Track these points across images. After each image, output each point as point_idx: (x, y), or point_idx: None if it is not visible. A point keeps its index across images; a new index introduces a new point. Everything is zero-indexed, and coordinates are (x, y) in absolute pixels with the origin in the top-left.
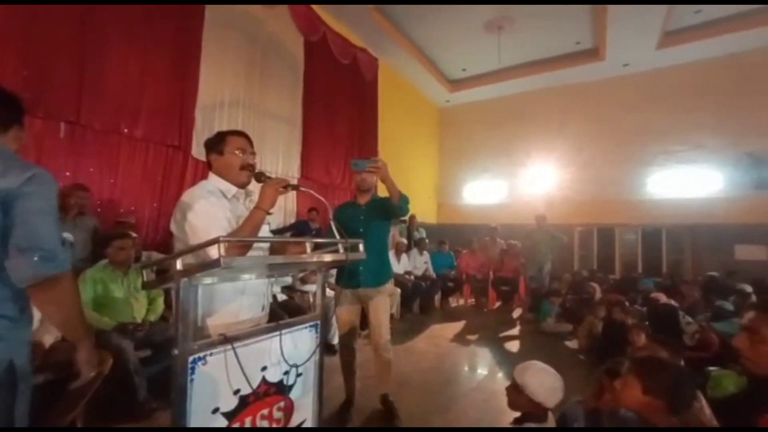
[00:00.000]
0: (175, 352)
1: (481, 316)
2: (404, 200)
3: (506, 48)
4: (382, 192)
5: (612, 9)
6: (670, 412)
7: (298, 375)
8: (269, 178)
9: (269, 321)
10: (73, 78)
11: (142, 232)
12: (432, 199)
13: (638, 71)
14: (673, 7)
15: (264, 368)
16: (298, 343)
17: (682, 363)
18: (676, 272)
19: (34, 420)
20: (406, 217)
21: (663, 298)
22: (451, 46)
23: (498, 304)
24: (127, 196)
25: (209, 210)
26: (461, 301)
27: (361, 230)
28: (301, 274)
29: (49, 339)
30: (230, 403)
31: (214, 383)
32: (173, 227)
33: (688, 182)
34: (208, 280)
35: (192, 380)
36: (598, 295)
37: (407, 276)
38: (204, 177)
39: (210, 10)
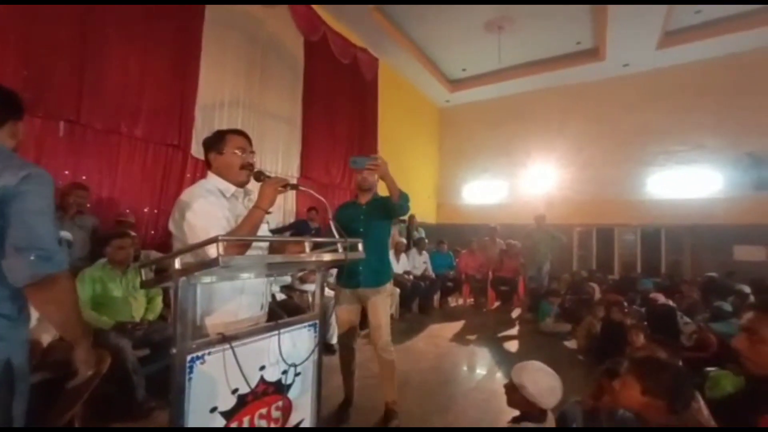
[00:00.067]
0: (174, 351)
1: (480, 316)
2: (404, 198)
3: (506, 48)
4: (383, 191)
5: (612, 9)
6: (668, 413)
7: (297, 374)
8: (268, 177)
9: (268, 320)
10: (73, 77)
11: (141, 231)
12: (431, 199)
13: (638, 71)
14: (673, 7)
15: (262, 368)
16: (297, 342)
17: (680, 363)
18: (675, 272)
19: (31, 419)
20: (406, 217)
21: (661, 298)
22: (451, 46)
23: (497, 304)
24: (126, 195)
25: (208, 209)
26: (460, 301)
27: (362, 230)
28: (300, 274)
29: (46, 338)
30: (228, 402)
31: (213, 382)
32: (172, 226)
33: (687, 182)
34: (206, 279)
35: (190, 379)
36: (597, 295)
37: (406, 276)
38: (203, 176)
39: (210, 10)
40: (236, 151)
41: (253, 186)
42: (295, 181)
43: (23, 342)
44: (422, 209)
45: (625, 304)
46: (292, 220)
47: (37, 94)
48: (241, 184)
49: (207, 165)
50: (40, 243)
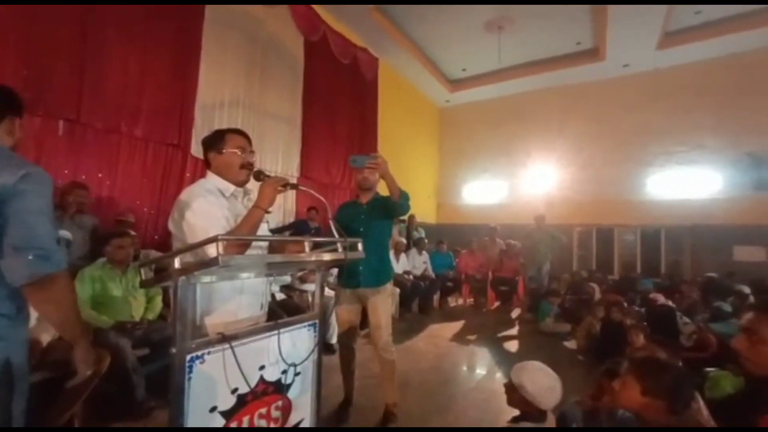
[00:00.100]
0: (173, 350)
1: (480, 316)
2: (404, 197)
3: (506, 48)
4: (384, 191)
5: (612, 9)
6: (668, 413)
7: (297, 374)
8: (268, 176)
9: (268, 320)
10: (73, 77)
11: (141, 230)
12: (431, 199)
13: (638, 71)
14: (673, 8)
15: (262, 367)
16: (297, 342)
17: (680, 364)
18: (675, 273)
19: (31, 418)
20: (406, 217)
21: (661, 298)
22: (451, 46)
23: (497, 304)
24: (126, 194)
25: (208, 209)
26: (460, 301)
27: (362, 229)
28: (299, 273)
29: (46, 337)
30: (228, 402)
31: (212, 382)
32: (171, 226)
33: (687, 183)
34: (206, 279)
35: (190, 379)
36: (597, 295)
37: (406, 276)
38: (203, 176)
39: (210, 9)
40: (236, 151)
41: (253, 185)
42: (294, 181)
43: (22, 341)
44: (422, 209)
45: (625, 304)
46: (291, 219)
47: (37, 94)
48: (241, 184)
49: (206, 164)
50: (38, 242)
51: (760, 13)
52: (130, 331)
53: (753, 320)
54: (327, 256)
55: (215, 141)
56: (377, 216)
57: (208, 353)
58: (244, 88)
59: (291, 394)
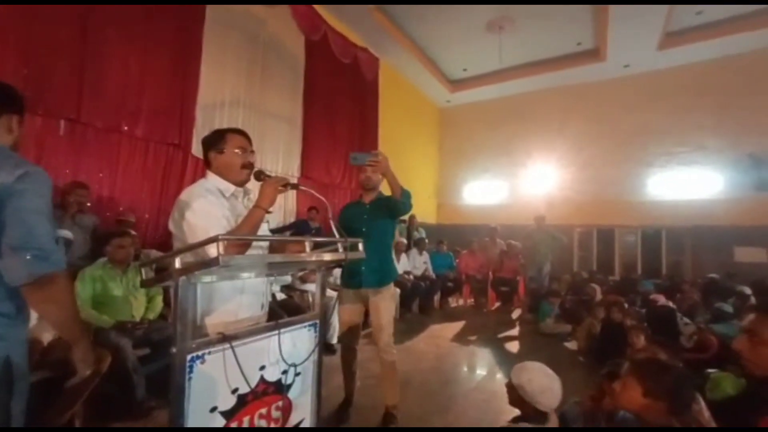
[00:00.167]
0: (174, 350)
1: (480, 316)
2: (406, 195)
3: (507, 48)
4: (388, 191)
5: (613, 9)
6: (669, 414)
7: (297, 374)
8: (269, 176)
9: (268, 320)
10: (74, 76)
11: (142, 230)
12: (432, 199)
13: (639, 72)
14: (674, 8)
15: (262, 367)
16: (297, 342)
17: (681, 365)
18: (676, 274)
19: (31, 418)
20: (406, 217)
21: (662, 299)
22: (451, 46)
23: (497, 304)
24: (126, 194)
25: (208, 209)
26: (461, 302)
27: (364, 229)
28: (300, 274)
29: (47, 337)
30: (228, 402)
31: (213, 382)
32: (172, 226)
33: (688, 183)
34: (207, 279)
35: (190, 379)
36: (599, 296)
37: (407, 276)
38: (204, 176)
39: (211, 9)
40: (237, 151)
41: (253, 185)
42: (295, 181)
43: (22, 341)
44: (423, 209)
45: (626, 305)
46: (292, 219)
47: (38, 93)
48: (241, 183)
49: (206, 164)
50: (36, 242)
51: (760, 14)
52: (131, 331)
53: (754, 322)
54: (327, 256)
55: (215, 141)
56: (380, 216)
57: (209, 353)
58: (244, 88)
59: (291, 394)
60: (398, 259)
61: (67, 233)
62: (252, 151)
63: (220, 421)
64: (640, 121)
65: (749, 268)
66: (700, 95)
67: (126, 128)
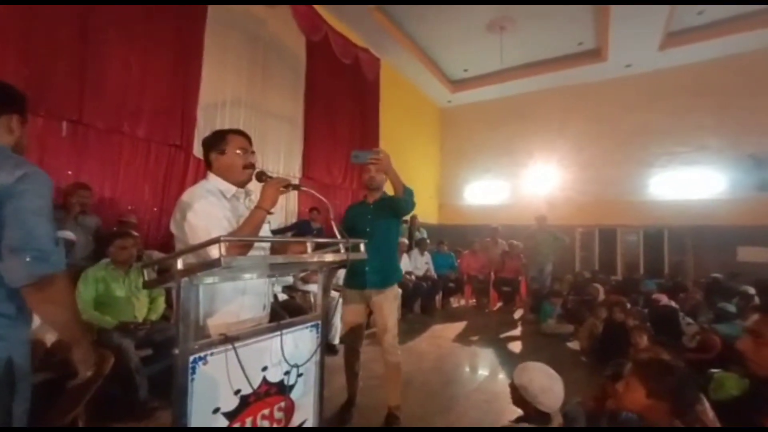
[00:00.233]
0: (176, 351)
1: (482, 316)
2: (408, 193)
3: (508, 48)
4: (392, 191)
5: (614, 9)
6: (673, 415)
7: (299, 375)
8: (270, 177)
9: (270, 321)
10: (76, 77)
11: (144, 231)
12: (433, 200)
13: (640, 72)
14: (676, 8)
15: (265, 368)
16: (299, 343)
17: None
18: (679, 273)
19: (35, 418)
20: (408, 217)
21: (664, 299)
22: (452, 47)
23: (499, 304)
24: (128, 195)
25: (209, 210)
26: (462, 302)
27: (368, 229)
28: (302, 274)
29: (50, 337)
30: (231, 403)
31: (215, 383)
32: (173, 227)
33: (690, 183)
34: (209, 280)
35: (193, 380)
36: (602, 296)
37: (408, 276)
38: (206, 176)
39: (212, 9)
40: (238, 151)
41: (254, 186)
42: (296, 182)
43: (24, 341)
44: (424, 210)
45: (628, 305)
46: (293, 220)
47: (40, 94)
48: (243, 184)
49: (207, 165)
50: (36, 243)
51: (761, 14)
52: (133, 332)
53: (758, 322)
54: (329, 257)
55: (216, 142)
56: (383, 216)
57: (211, 354)
58: (246, 88)
59: (294, 395)
60: (400, 260)
61: (69, 234)
62: (253, 152)
63: (222, 422)
64: (641, 121)
65: (752, 267)
66: (701, 95)
67: (128, 129)
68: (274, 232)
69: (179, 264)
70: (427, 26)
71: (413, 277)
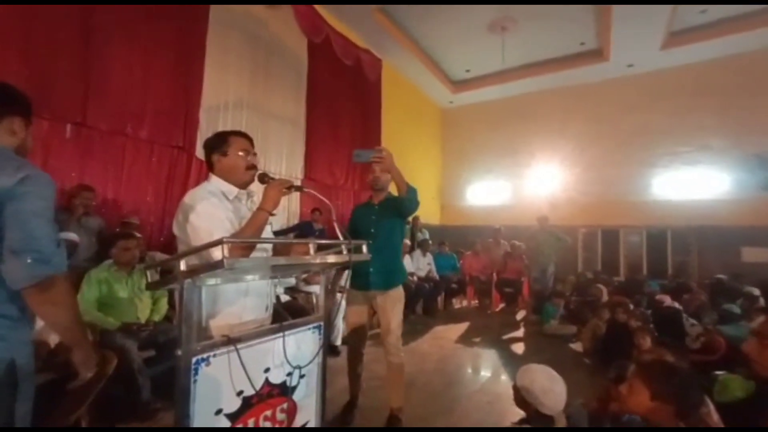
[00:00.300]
0: (179, 352)
1: (484, 317)
2: (412, 191)
3: (510, 49)
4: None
5: (616, 9)
6: (677, 417)
7: (302, 376)
8: (272, 179)
9: (273, 322)
10: (79, 79)
11: (147, 232)
12: (435, 200)
13: (642, 72)
14: (678, 8)
15: (267, 369)
16: (302, 344)
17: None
18: (682, 274)
19: (38, 419)
20: (410, 218)
21: (667, 300)
22: (454, 47)
23: (501, 305)
24: (131, 196)
25: (211, 211)
26: (465, 303)
27: (372, 230)
28: (304, 275)
29: (54, 338)
30: (233, 404)
31: (218, 384)
32: (176, 229)
33: (693, 183)
34: (211, 281)
35: (195, 381)
36: (605, 297)
37: (410, 277)
38: (208, 178)
39: (213, 10)
40: (240, 153)
41: (257, 188)
42: (298, 183)
43: (26, 342)
44: (426, 210)
45: (631, 306)
46: (296, 221)
47: (44, 97)
48: (245, 186)
49: (209, 167)
50: (37, 245)
51: (763, 13)
52: (136, 333)
53: (764, 324)
54: (331, 258)
55: (218, 143)
56: (388, 216)
57: (214, 355)
58: (247, 90)
59: (296, 396)
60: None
61: (72, 236)
62: (255, 153)
63: (225, 424)
64: (643, 121)
65: (757, 268)
66: (702, 95)
67: (131, 131)
68: (276, 233)
69: (182, 265)
70: (428, 27)
71: (415, 278)
